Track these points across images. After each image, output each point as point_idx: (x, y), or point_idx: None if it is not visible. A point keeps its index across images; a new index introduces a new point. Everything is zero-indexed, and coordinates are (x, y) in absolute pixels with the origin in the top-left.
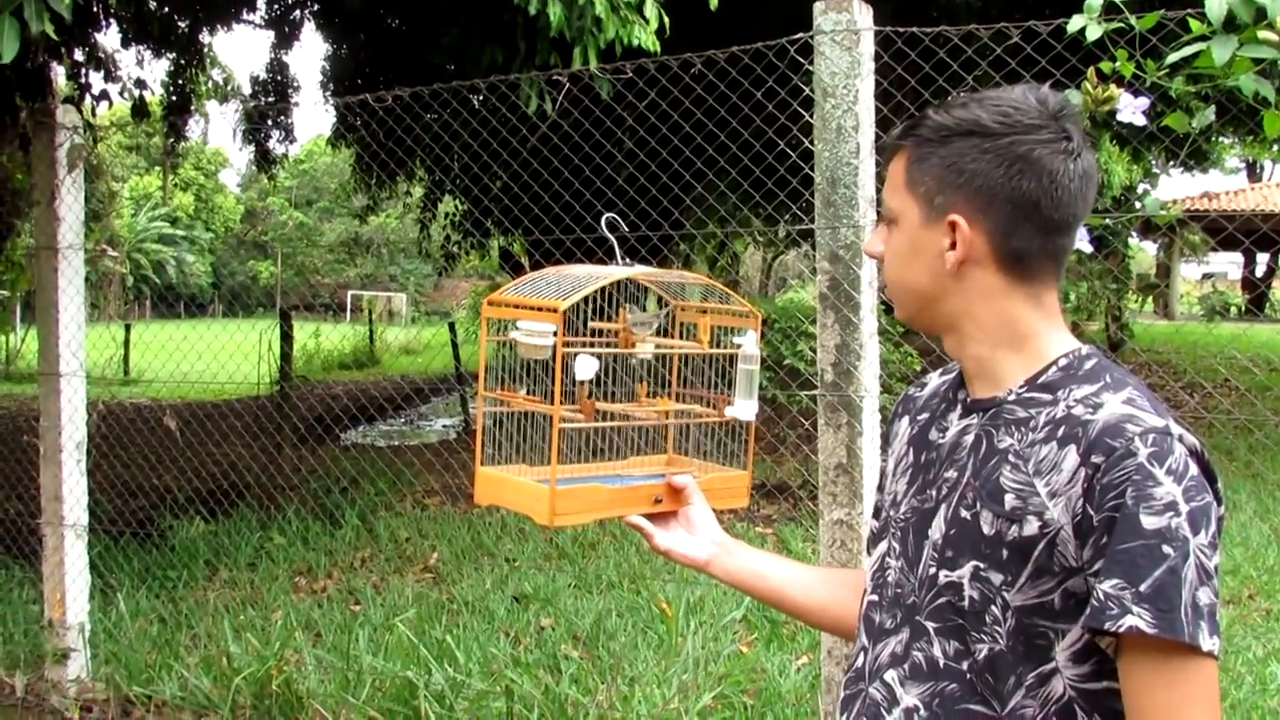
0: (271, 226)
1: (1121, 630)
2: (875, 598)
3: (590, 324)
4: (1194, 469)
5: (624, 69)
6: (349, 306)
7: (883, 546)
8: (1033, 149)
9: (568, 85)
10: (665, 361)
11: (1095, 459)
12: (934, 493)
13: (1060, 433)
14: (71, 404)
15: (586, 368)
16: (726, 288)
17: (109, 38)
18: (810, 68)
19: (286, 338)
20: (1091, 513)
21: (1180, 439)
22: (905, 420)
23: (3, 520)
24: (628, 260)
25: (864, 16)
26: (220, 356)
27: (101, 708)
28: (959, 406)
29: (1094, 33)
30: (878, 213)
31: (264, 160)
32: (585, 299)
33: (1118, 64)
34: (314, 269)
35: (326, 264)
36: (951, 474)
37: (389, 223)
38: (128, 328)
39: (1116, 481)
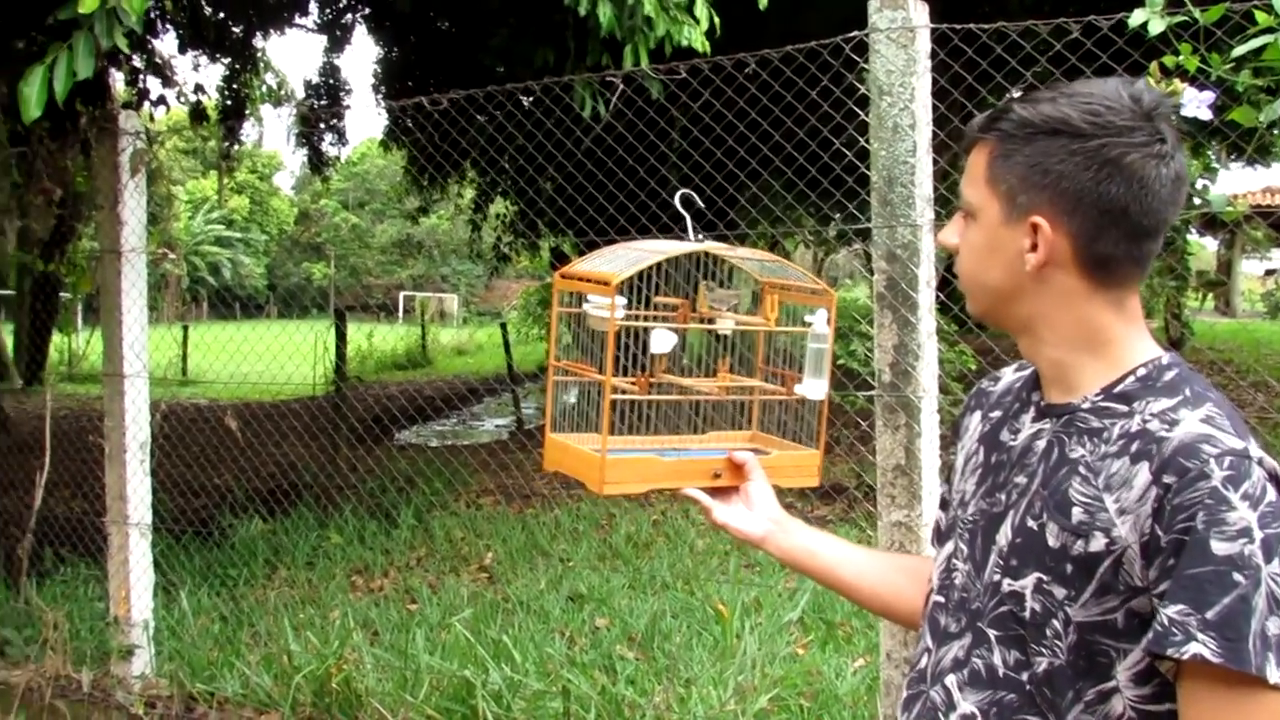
0: (325, 228)
1: (1185, 657)
2: (941, 599)
3: (655, 299)
4: (1272, 494)
5: (678, 69)
6: (401, 307)
7: (950, 546)
8: (1125, 153)
9: (621, 86)
10: (743, 338)
11: (1167, 479)
12: (1003, 497)
13: (1134, 448)
14: (135, 404)
15: (663, 341)
16: (795, 265)
17: (166, 44)
18: (865, 66)
19: (342, 338)
20: (1160, 534)
21: (1260, 462)
22: (977, 415)
23: (70, 519)
24: (701, 236)
25: (919, 14)
26: (280, 357)
27: (165, 704)
28: (1032, 408)
29: (1157, 26)
30: (936, 211)
31: (317, 163)
32: (647, 274)
33: (1181, 58)
34: (367, 270)
35: (379, 265)
36: (1021, 479)
37: (440, 224)
38: (185, 329)
39: (1188, 504)
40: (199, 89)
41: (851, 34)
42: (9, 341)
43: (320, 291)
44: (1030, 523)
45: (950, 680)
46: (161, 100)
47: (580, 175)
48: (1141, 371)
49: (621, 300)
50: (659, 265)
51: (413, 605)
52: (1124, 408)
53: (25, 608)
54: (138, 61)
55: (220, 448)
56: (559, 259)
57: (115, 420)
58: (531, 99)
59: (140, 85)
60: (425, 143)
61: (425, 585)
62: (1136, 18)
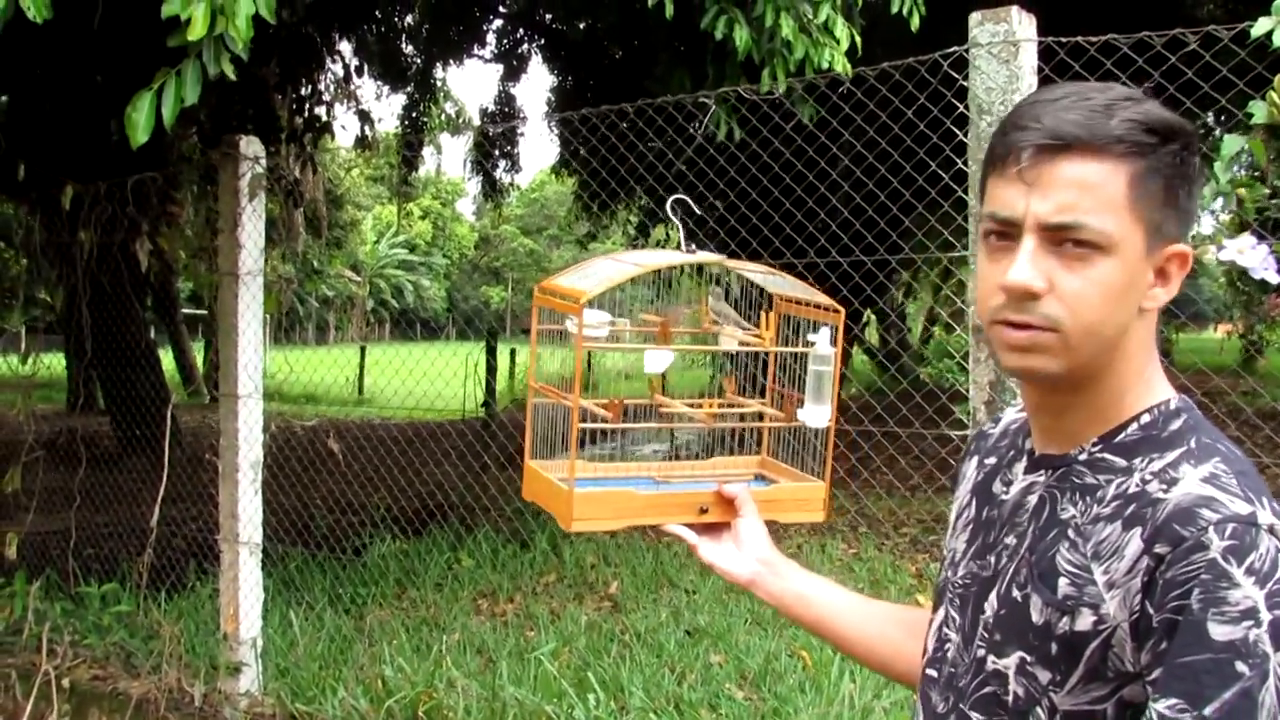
0: (503, 253)
1: None
2: (934, 673)
3: (644, 315)
4: None
5: (801, 85)
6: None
7: (941, 614)
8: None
9: (764, 109)
10: (752, 355)
11: (1159, 549)
12: (993, 559)
13: (1128, 511)
14: (247, 425)
15: (658, 361)
16: (804, 281)
17: (333, 74)
18: (965, 83)
19: (492, 355)
20: (1151, 612)
21: (1271, 530)
22: (974, 462)
23: (200, 536)
24: (693, 246)
25: (1024, 27)
26: (445, 375)
27: None
28: (1025, 458)
29: None
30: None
31: (491, 188)
32: (644, 288)
33: None
34: None
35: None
36: (1011, 540)
37: (615, 250)
38: (363, 349)
39: (1182, 579)
40: (363, 115)
41: (950, 50)
42: (200, 359)
43: (496, 315)
44: (1015, 593)
45: None
46: (326, 128)
47: (734, 194)
48: (1146, 419)
49: (605, 317)
50: (663, 278)
51: (530, 632)
52: (1123, 462)
53: (156, 621)
54: (305, 91)
55: (381, 466)
56: (717, 284)
57: (229, 440)
58: (697, 125)
59: (305, 114)
60: (586, 175)
61: (548, 612)
62: (1260, 26)
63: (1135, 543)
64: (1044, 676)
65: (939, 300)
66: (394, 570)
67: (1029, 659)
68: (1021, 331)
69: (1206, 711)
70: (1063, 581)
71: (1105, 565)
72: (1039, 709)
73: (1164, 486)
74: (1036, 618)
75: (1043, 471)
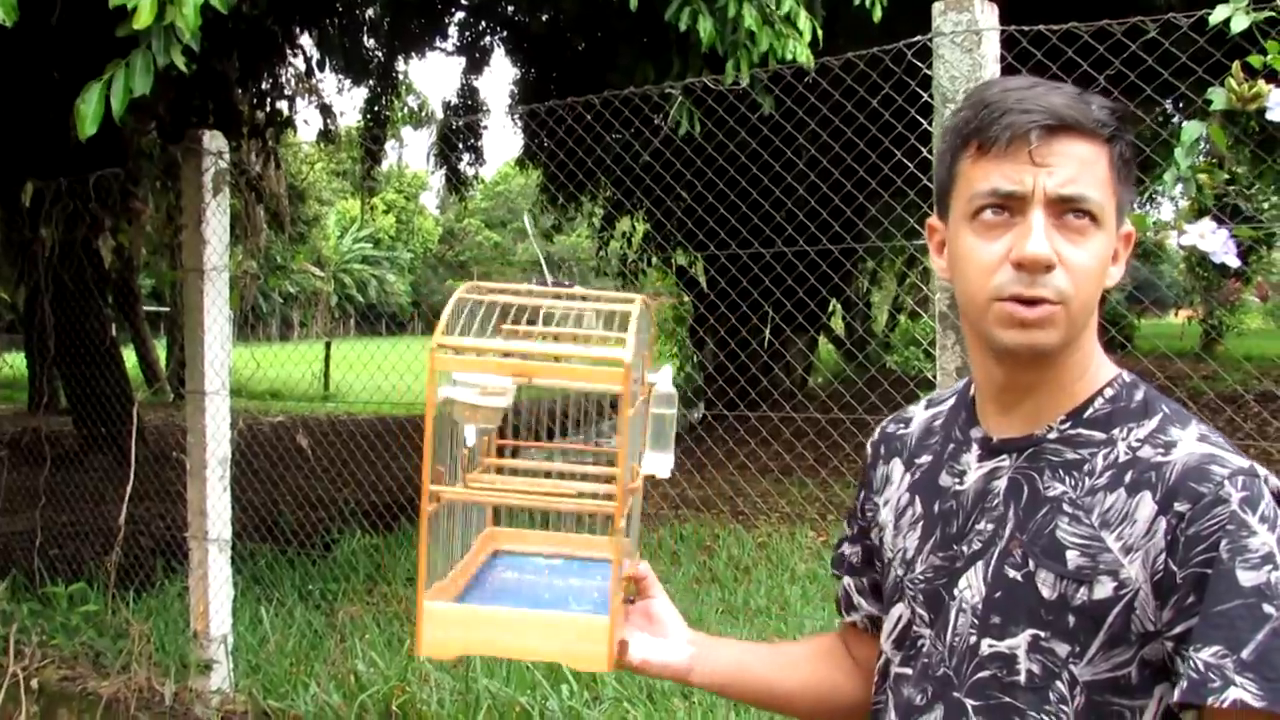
0: (468, 246)
1: (1226, 704)
2: (906, 670)
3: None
4: None
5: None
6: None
7: (900, 611)
8: None
9: (730, 99)
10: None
11: (1179, 507)
12: (964, 548)
13: (1128, 478)
14: (215, 421)
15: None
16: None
17: (294, 68)
18: (929, 72)
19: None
20: (1175, 569)
21: (1266, 481)
22: (896, 463)
23: (167, 535)
24: (560, 276)
25: (987, 16)
26: (414, 369)
27: (241, 719)
28: (975, 446)
29: (1240, 24)
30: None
31: (455, 181)
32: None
33: (1268, 57)
34: None
35: (520, 282)
36: (986, 526)
37: (580, 243)
38: (328, 345)
39: (1207, 532)
40: (326, 109)
41: (915, 39)
42: (162, 356)
43: None
44: (1011, 573)
45: None
46: (288, 123)
47: (700, 187)
48: (1109, 392)
49: (506, 381)
50: (496, 308)
51: None
52: (1100, 435)
53: (125, 620)
54: (266, 85)
55: (350, 461)
56: (681, 275)
57: (196, 437)
58: (661, 116)
59: (267, 109)
60: (552, 166)
61: None
62: (1218, 14)
63: (1147, 506)
64: (1062, 650)
65: (905, 288)
66: (364, 565)
67: (1043, 635)
68: (1035, 308)
69: (1244, 655)
70: (1072, 554)
71: (1117, 531)
72: (1058, 683)
73: (1161, 450)
74: (1048, 593)
75: (1005, 456)
